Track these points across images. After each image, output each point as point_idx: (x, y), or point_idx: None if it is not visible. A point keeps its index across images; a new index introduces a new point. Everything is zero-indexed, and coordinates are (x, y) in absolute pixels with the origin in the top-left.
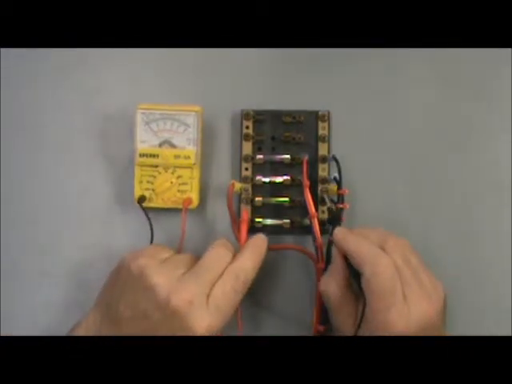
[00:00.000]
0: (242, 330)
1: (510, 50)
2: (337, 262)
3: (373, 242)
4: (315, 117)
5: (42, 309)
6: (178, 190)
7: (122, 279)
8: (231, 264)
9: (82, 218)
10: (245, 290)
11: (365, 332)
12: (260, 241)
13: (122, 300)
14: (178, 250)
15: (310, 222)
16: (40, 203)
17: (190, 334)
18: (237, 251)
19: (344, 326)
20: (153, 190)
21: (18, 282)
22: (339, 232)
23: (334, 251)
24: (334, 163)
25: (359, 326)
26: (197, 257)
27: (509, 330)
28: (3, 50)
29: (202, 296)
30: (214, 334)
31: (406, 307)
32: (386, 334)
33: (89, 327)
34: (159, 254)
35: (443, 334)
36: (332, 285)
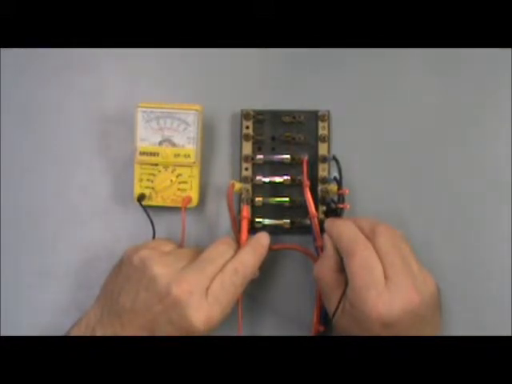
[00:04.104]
0: (241, 330)
1: (509, 50)
2: (328, 248)
3: (362, 228)
4: (315, 117)
5: (42, 309)
6: (178, 189)
7: (124, 271)
8: (232, 258)
9: (81, 218)
10: (244, 283)
11: (349, 315)
12: (262, 238)
13: (123, 292)
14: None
15: (310, 221)
16: (40, 203)
17: (189, 325)
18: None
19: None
20: (152, 188)
21: (18, 281)
22: (328, 220)
23: (326, 238)
24: (334, 163)
25: (340, 302)
26: (199, 251)
27: (509, 330)
28: (3, 50)
29: (202, 288)
30: (212, 327)
31: (387, 289)
32: (367, 315)
33: (89, 322)
34: (162, 246)
35: (436, 330)
36: (323, 270)
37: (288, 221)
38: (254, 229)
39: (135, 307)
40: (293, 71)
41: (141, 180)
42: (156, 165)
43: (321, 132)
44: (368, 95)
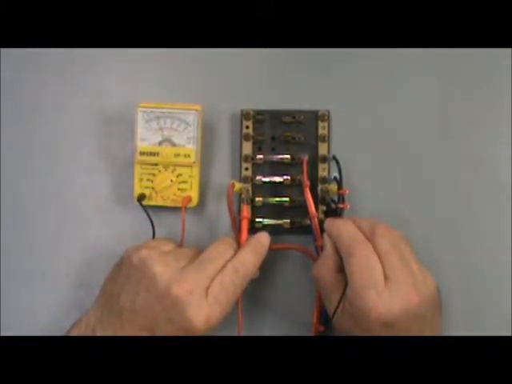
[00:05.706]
0: (242, 330)
1: (510, 49)
2: (327, 248)
3: (361, 228)
4: (315, 117)
5: (42, 309)
6: (178, 189)
7: (124, 271)
8: (232, 258)
9: (82, 218)
10: (244, 283)
11: (349, 315)
12: (262, 238)
13: (123, 292)
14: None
15: (310, 221)
16: (40, 203)
17: (189, 325)
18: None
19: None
20: (153, 188)
21: (18, 281)
22: (328, 220)
23: (325, 238)
24: (334, 163)
25: (339, 302)
26: (199, 251)
27: (509, 330)
28: (3, 50)
29: (202, 288)
30: (212, 326)
31: (386, 289)
32: (367, 315)
33: (89, 322)
34: (161, 246)
35: (436, 330)
36: (323, 270)
37: (288, 221)
38: (254, 229)
39: (135, 307)
40: (293, 71)
41: (141, 180)
42: (156, 165)
43: (321, 132)
44: (368, 95)
